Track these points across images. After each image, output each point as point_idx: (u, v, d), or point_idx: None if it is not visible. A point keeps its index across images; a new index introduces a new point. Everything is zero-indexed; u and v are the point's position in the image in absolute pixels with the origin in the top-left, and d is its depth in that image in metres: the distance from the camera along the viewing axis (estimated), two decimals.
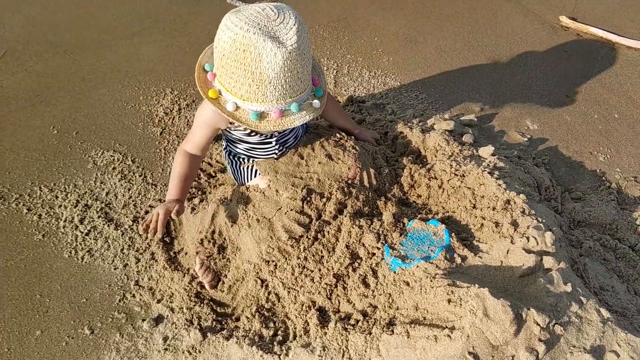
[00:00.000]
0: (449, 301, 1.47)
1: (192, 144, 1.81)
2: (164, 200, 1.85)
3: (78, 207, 2.06)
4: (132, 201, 2.09)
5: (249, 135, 1.82)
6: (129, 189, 2.13)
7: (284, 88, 1.51)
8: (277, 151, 1.92)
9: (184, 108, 2.48)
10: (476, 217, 1.82)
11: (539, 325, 1.41)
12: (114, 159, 2.24)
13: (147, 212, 2.06)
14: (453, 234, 1.72)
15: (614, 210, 2.10)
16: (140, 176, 2.18)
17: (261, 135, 1.83)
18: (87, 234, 1.98)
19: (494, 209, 1.81)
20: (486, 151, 2.11)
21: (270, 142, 1.87)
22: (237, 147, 1.93)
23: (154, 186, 2.15)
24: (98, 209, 2.05)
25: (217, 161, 2.24)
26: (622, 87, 2.79)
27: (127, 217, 2.04)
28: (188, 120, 2.42)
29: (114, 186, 2.14)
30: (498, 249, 1.66)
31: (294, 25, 1.48)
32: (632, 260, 1.94)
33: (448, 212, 1.90)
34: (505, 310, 1.37)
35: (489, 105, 2.62)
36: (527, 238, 1.64)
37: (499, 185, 1.85)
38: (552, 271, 1.57)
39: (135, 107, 2.48)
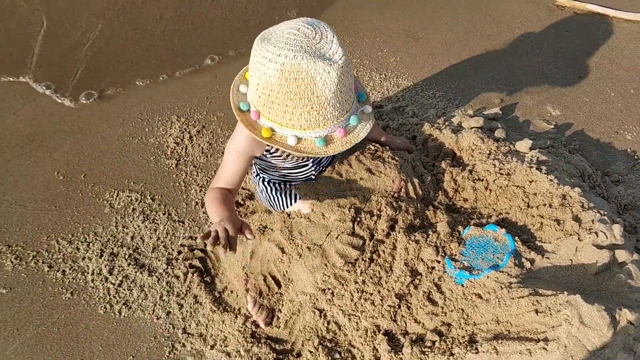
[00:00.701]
0: (537, 312, 1.39)
1: (225, 181, 1.61)
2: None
3: (104, 256, 1.91)
4: (162, 242, 1.95)
5: (284, 160, 1.71)
6: (155, 230, 1.99)
7: (342, 104, 1.41)
8: (314, 172, 1.81)
9: (194, 135, 2.34)
10: (533, 216, 1.75)
11: (633, 324, 1.35)
12: (131, 200, 2.09)
13: (179, 252, 1.92)
14: (516, 238, 1.65)
15: None
16: (164, 214, 2.04)
17: (297, 158, 1.72)
18: (119, 285, 1.84)
19: (550, 205, 1.74)
20: (524, 145, 2.04)
21: (307, 165, 1.76)
22: (271, 174, 1.81)
23: (181, 223, 2.02)
24: (126, 256, 1.91)
25: (243, 188, 2.12)
26: (631, 62, 2.76)
27: (159, 260, 1.90)
28: (202, 148, 2.29)
29: (138, 229, 2.00)
30: (566, 247, 1.59)
31: (334, 37, 1.39)
32: None
33: (501, 213, 1.82)
34: (601, 316, 1.30)
35: (508, 95, 2.56)
36: (596, 233, 1.57)
37: (551, 180, 1.78)
38: (627, 264, 1.51)
39: (143, 140, 2.33)
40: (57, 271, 1.87)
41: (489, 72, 2.70)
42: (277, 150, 1.62)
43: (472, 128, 2.14)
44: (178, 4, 3.06)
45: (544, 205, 1.75)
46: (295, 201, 1.80)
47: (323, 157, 1.82)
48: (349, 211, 1.72)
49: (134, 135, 2.35)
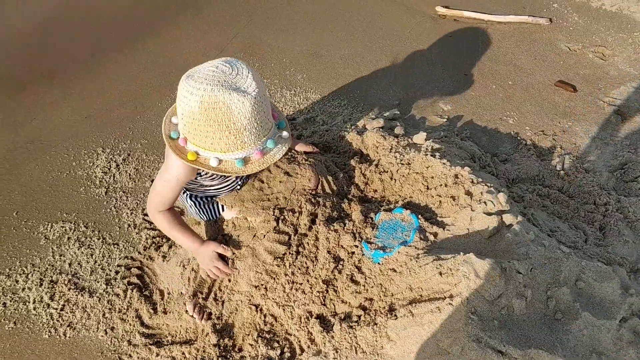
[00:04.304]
0: (441, 274, 1.63)
1: (164, 203, 1.80)
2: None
3: (43, 285, 1.98)
4: (99, 265, 2.05)
5: (211, 178, 1.87)
6: (92, 254, 2.09)
7: (257, 130, 1.58)
8: (240, 182, 1.99)
9: (121, 163, 2.45)
10: (432, 196, 2.02)
11: (521, 273, 1.61)
12: (65, 229, 2.17)
13: (117, 272, 2.03)
14: (419, 216, 1.90)
15: (537, 162, 2.40)
16: (98, 239, 2.14)
17: (220, 176, 1.89)
18: (62, 309, 1.92)
19: (445, 185, 2.01)
20: (420, 137, 2.32)
21: (230, 179, 1.94)
22: (198, 190, 1.97)
23: (116, 245, 2.12)
24: (66, 282, 1.99)
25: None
26: (506, 57, 3.17)
27: (98, 282, 1.99)
28: (130, 174, 2.40)
29: (74, 255, 2.08)
30: (462, 219, 1.86)
31: (249, 73, 1.56)
32: (564, 202, 2.24)
33: (406, 198, 2.07)
34: (493, 267, 1.56)
35: (404, 98, 2.86)
36: (485, 203, 1.85)
37: (444, 163, 2.06)
38: (513, 226, 1.80)
39: (71, 173, 2.41)
40: None
41: (386, 80, 3.00)
42: (206, 172, 1.80)
43: (374, 128, 2.40)
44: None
45: (441, 185, 2.02)
46: (223, 210, 1.97)
47: None
48: (273, 212, 1.91)
49: (62, 170, 2.42)
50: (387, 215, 1.94)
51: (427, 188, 2.05)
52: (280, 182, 2.00)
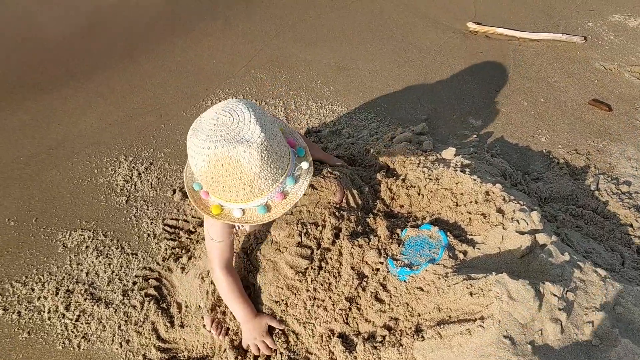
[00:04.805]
0: (471, 294, 1.54)
1: (224, 261, 1.77)
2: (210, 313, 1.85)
3: (59, 294, 1.94)
4: (116, 275, 2.00)
5: None
6: (109, 264, 2.04)
7: (272, 174, 1.50)
8: None
9: (143, 172, 2.43)
10: (462, 213, 1.93)
11: (556, 295, 1.51)
12: (84, 238, 2.14)
13: (134, 283, 1.98)
14: (448, 233, 1.81)
15: (570, 182, 2.30)
16: (117, 249, 2.10)
17: None
18: (77, 320, 1.87)
19: (476, 202, 1.92)
20: (449, 153, 2.24)
21: None
22: None
23: (134, 255, 2.08)
24: (82, 292, 1.95)
25: (192, 216, 2.21)
26: (539, 75, 3.08)
27: (115, 292, 1.95)
28: (151, 183, 2.37)
29: (92, 265, 2.04)
30: (493, 237, 1.77)
31: (250, 117, 1.46)
32: (599, 223, 2.12)
33: (434, 214, 1.99)
34: (527, 289, 1.46)
35: (433, 112, 2.79)
36: (517, 221, 1.76)
37: (474, 180, 1.98)
38: (547, 246, 1.70)
39: (92, 181, 2.39)
40: (13, 313, 1.88)
41: (414, 94, 2.93)
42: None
43: (402, 142, 2.33)
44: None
45: (471, 202, 1.93)
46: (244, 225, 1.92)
47: None
48: (297, 226, 1.85)
49: (83, 178, 2.40)
50: (414, 231, 1.86)
51: (457, 205, 1.97)
52: (304, 195, 1.93)
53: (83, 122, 2.71)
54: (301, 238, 1.82)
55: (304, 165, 1.60)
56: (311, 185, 1.95)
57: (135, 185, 2.36)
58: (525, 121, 2.72)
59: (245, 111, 1.47)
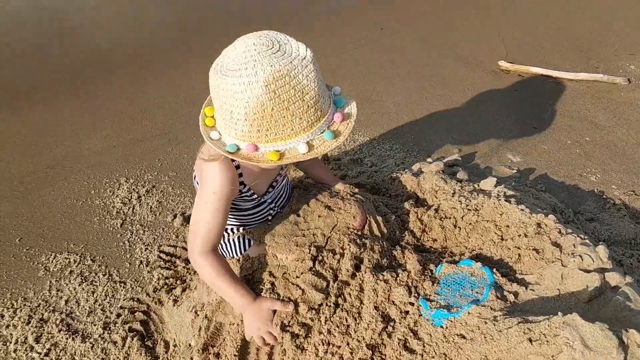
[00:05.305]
0: (531, 340, 1.21)
1: (209, 242, 1.44)
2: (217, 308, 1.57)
3: (31, 323, 1.66)
4: (99, 305, 1.72)
5: (242, 199, 1.56)
6: (93, 292, 1.76)
7: (326, 91, 1.33)
8: (271, 211, 1.67)
9: (143, 195, 2.18)
10: (509, 248, 1.63)
11: None
12: (69, 262, 1.87)
13: (119, 315, 1.68)
14: (494, 269, 1.51)
15: (631, 225, 1.98)
16: (104, 275, 1.82)
17: (255, 197, 1.58)
18: (46, 355, 1.57)
19: (525, 235, 1.62)
20: (489, 183, 1.96)
21: (265, 202, 1.63)
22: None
23: (122, 284, 1.79)
24: (57, 322, 1.66)
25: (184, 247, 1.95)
26: (581, 114, 2.82)
27: (95, 325, 1.65)
28: (151, 207, 2.12)
29: (73, 292, 1.76)
30: (550, 276, 1.45)
31: (288, 38, 1.31)
32: None
33: (474, 250, 1.69)
34: (607, 336, 1.13)
35: (465, 145, 2.54)
36: (580, 257, 1.45)
37: (522, 210, 1.69)
38: (622, 287, 1.37)
39: (87, 202, 2.15)
40: None
41: (444, 126, 2.69)
42: (248, 189, 1.53)
43: (433, 172, 2.06)
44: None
45: (519, 236, 1.63)
46: (249, 246, 1.64)
47: (281, 194, 1.70)
48: (309, 250, 1.56)
49: (79, 198, 2.17)
50: (451, 267, 1.56)
51: (502, 239, 1.67)
52: (319, 216, 1.66)
53: (87, 143, 2.51)
54: (314, 265, 1.53)
55: (336, 89, 1.44)
56: (328, 207, 1.68)
57: (133, 208, 2.11)
58: (570, 159, 2.44)
59: (279, 34, 1.31)
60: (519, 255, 1.58)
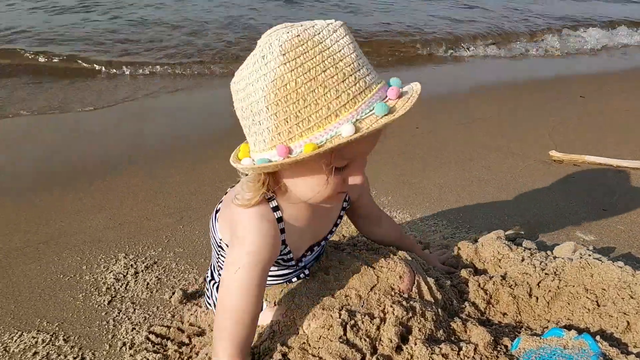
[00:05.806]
0: None
1: (240, 341, 1.08)
2: None
3: None
4: None
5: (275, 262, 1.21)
6: None
7: (369, 63, 0.99)
8: (295, 278, 1.30)
9: (142, 271, 1.84)
10: (611, 316, 1.19)
11: None
12: (36, 342, 1.49)
13: None
14: (598, 337, 1.07)
15: None
16: (75, 358, 1.42)
17: (292, 262, 1.24)
18: None
19: (631, 297, 1.19)
20: (566, 248, 1.57)
21: (290, 262, 1.26)
22: None
23: None
24: None
25: (190, 324, 1.55)
26: None
27: None
28: (148, 283, 1.76)
29: None
30: None
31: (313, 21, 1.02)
32: None
33: (560, 322, 1.25)
34: None
35: (525, 224, 2.16)
36: None
37: (620, 267, 1.27)
38: None
39: (75, 277, 1.81)
40: None
41: (497, 207, 2.35)
42: (287, 251, 1.21)
43: (493, 238, 1.68)
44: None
45: (622, 299, 1.20)
46: (262, 309, 1.24)
47: (308, 257, 1.33)
48: (339, 314, 1.16)
49: (66, 273, 1.83)
50: (533, 341, 1.13)
51: (598, 305, 1.23)
52: (354, 273, 1.27)
53: (90, 221, 2.23)
54: (345, 333, 1.12)
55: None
56: (366, 263, 1.30)
57: (127, 285, 1.76)
58: None
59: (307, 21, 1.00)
60: (628, 322, 1.15)
